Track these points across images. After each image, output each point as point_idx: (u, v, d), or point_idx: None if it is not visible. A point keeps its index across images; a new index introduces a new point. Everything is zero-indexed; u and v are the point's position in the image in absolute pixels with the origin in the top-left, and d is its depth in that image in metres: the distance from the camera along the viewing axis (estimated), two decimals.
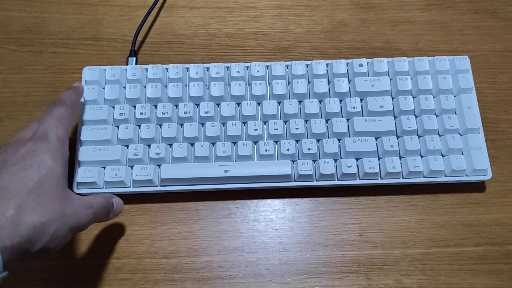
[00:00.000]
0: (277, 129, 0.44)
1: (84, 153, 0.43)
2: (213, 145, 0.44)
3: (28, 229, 0.30)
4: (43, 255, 0.32)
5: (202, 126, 0.44)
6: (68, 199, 0.34)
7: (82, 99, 0.44)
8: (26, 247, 0.30)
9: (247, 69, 0.47)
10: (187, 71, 0.47)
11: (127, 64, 0.49)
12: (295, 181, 0.43)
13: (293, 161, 0.43)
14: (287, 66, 0.47)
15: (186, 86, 0.46)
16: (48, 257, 0.33)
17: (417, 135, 0.44)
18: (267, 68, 0.47)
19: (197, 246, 0.42)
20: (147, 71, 0.47)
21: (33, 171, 0.32)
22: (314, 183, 0.43)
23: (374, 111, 0.45)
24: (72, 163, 0.44)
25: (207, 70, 0.47)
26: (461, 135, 0.44)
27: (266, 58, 0.51)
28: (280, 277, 0.41)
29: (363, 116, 0.45)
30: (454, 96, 0.46)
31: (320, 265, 0.42)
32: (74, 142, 0.44)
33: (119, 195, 0.43)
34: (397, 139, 0.44)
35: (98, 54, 0.50)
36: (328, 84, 0.46)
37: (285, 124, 0.45)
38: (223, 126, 0.45)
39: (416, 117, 0.45)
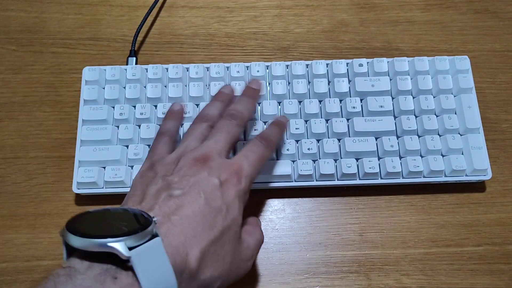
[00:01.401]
0: None
1: (84, 153, 0.43)
2: None
3: (200, 285, 0.28)
4: None
5: None
6: (238, 252, 0.31)
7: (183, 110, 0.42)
8: None
9: (247, 69, 0.47)
10: (187, 71, 0.47)
11: (127, 64, 0.49)
12: (295, 181, 0.43)
13: (293, 161, 0.43)
14: (287, 66, 0.47)
15: (186, 86, 0.46)
16: None
17: (417, 135, 0.44)
18: (267, 68, 0.47)
19: None
20: (147, 71, 0.47)
21: (221, 217, 0.29)
22: (314, 183, 0.43)
23: (374, 111, 0.45)
24: (72, 163, 0.44)
25: (207, 70, 0.47)
26: (461, 135, 0.44)
27: (266, 58, 0.51)
28: (280, 277, 0.41)
29: (363, 116, 0.45)
30: (454, 96, 0.46)
31: (320, 265, 0.42)
32: (74, 142, 0.44)
33: (119, 195, 0.43)
34: (397, 139, 0.44)
35: (98, 54, 0.50)
36: (328, 84, 0.46)
37: None
38: None
39: (416, 117, 0.45)
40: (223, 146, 0.34)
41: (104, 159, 0.42)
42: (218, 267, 0.29)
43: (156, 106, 0.45)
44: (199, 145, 0.34)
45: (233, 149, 0.39)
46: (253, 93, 0.39)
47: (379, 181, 0.43)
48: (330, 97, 0.46)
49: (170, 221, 0.27)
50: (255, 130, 0.44)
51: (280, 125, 0.39)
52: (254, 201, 0.44)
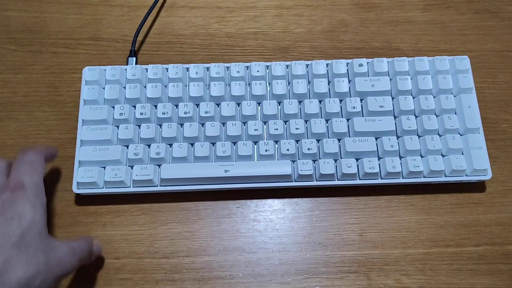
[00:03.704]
0: (277, 129, 0.44)
1: (84, 153, 0.43)
2: (213, 145, 0.44)
3: (13, 285, 0.29)
4: None
5: (202, 126, 0.44)
6: (52, 248, 0.33)
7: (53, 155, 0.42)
8: None
9: (247, 69, 0.47)
10: (187, 71, 0.47)
11: (127, 64, 0.49)
12: (295, 181, 0.43)
13: (293, 161, 0.43)
14: (287, 66, 0.47)
15: (186, 86, 0.46)
16: None
17: (417, 135, 0.44)
18: (267, 68, 0.47)
19: (197, 246, 0.43)
20: (147, 71, 0.47)
21: (14, 224, 0.31)
22: (314, 183, 0.43)
23: (374, 111, 0.45)
24: (72, 163, 0.44)
25: (207, 70, 0.47)
26: (461, 135, 0.44)
27: (266, 58, 0.51)
28: (280, 277, 0.41)
29: (363, 116, 0.45)
30: (454, 96, 0.46)
31: (320, 265, 0.42)
32: (74, 142, 0.44)
33: (119, 195, 0.43)
34: (397, 139, 0.44)
35: (98, 54, 0.50)
36: (328, 84, 0.46)
37: (285, 124, 0.45)
38: (223, 126, 0.45)
39: (416, 117, 0.45)
40: (24, 172, 0.35)
41: (104, 159, 0.42)
42: (31, 265, 0.31)
43: (156, 106, 0.45)
44: None
45: None
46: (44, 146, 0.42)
47: (379, 181, 0.43)
48: (330, 97, 0.46)
49: None
50: (255, 130, 0.44)
51: (47, 146, 0.41)
52: (254, 201, 0.44)
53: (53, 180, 0.45)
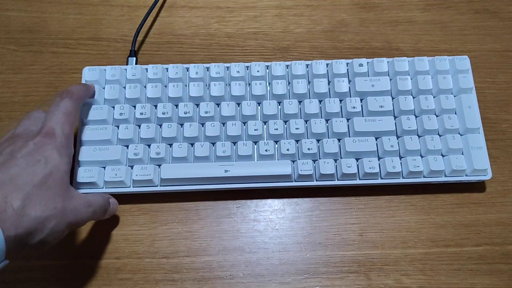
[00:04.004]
0: (277, 129, 0.44)
1: (84, 153, 0.43)
2: (213, 145, 0.44)
3: (31, 221, 0.31)
4: (40, 248, 0.33)
5: (202, 126, 0.44)
6: (70, 196, 0.35)
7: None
8: (26, 239, 0.31)
9: (247, 69, 0.47)
10: (187, 71, 0.47)
11: (127, 64, 0.49)
12: (295, 181, 0.43)
13: (293, 161, 0.43)
14: (287, 66, 0.47)
15: (186, 86, 0.46)
16: (44, 251, 0.34)
17: (417, 135, 0.44)
18: (267, 68, 0.47)
19: (197, 246, 0.43)
20: (147, 71, 0.47)
21: (40, 166, 0.33)
22: (314, 183, 0.43)
23: (374, 111, 0.45)
24: (72, 163, 0.44)
25: (207, 70, 0.47)
26: (461, 135, 0.44)
27: (266, 58, 0.51)
28: (280, 277, 0.41)
29: (363, 116, 0.45)
30: (454, 96, 0.46)
31: (320, 265, 0.42)
32: (74, 142, 0.44)
33: (119, 195, 0.43)
34: (397, 139, 0.44)
35: (98, 54, 0.50)
36: (328, 84, 0.46)
37: (285, 124, 0.45)
38: (223, 126, 0.45)
39: (416, 117, 0.45)
40: (31, 122, 0.38)
41: (104, 159, 0.42)
42: (48, 206, 0.32)
43: (156, 106, 0.45)
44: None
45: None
46: (85, 84, 0.44)
47: (379, 181, 0.43)
48: (330, 97, 0.46)
49: None
50: (255, 130, 0.44)
51: (85, 84, 0.43)
52: (254, 201, 0.44)
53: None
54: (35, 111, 0.39)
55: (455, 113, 0.45)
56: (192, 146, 0.44)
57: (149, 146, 0.43)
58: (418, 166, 0.43)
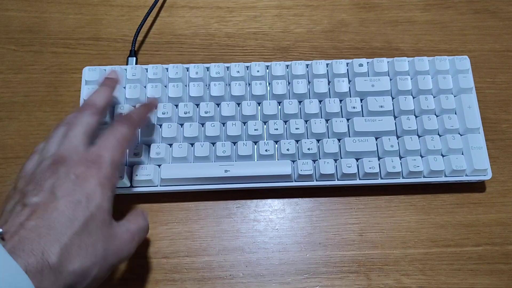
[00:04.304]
0: (277, 129, 0.44)
1: None
2: (213, 145, 0.44)
3: (70, 276, 0.28)
4: None
5: (202, 126, 0.44)
6: (112, 236, 0.32)
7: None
8: None
9: (247, 69, 0.47)
10: (187, 71, 0.47)
11: (127, 64, 0.49)
12: (295, 181, 0.43)
13: (293, 161, 0.43)
14: (287, 66, 0.47)
15: (186, 86, 0.46)
16: None
17: (417, 135, 0.44)
18: (267, 68, 0.47)
19: (197, 246, 0.43)
20: (147, 71, 0.47)
21: (81, 209, 0.30)
22: (314, 183, 0.43)
23: (374, 111, 0.45)
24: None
25: (207, 70, 0.47)
26: (461, 135, 0.44)
27: (266, 58, 0.51)
28: (280, 277, 0.41)
29: (363, 116, 0.45)
30: (454, 96, 0.46)
31: (320, 265, 0.42)
32: None
33: (119, 195, 0.43)
34: (397, 139, 0.44)
35: (98, 54, 0.50)
36: (328, 84, 0.46)
37: (285, 124, 0.45)
38: (223, 126, 0.45)
39: (416, 117, 0.45)
40: (79, 141, 0.34)
41: None
42: (88, 255, 0.30)
43: (156, 106, 0.45)
44: (57, 148, 0.34)
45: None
46: (109, 82, 0.40)
47: (379, 181, 0.43)
48: (330, 97, 0.46)
49: (24, 228, 0.28)
50: (255, 130, 0.44)
51: (146, 105, 0.40)
52: (254, 201, 0.44)
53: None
54: (57, 129, 0.35)
55: (455, 113, 0.45)
56: (192, 146, 0.44)
57: (149, 146, 0.43)
58: (418, 166, 0.43)
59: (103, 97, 0.38)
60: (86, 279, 0.30)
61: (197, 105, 0.45)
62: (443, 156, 0.44)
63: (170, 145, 0.44)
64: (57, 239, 0.28)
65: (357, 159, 0.43)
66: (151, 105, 0.41)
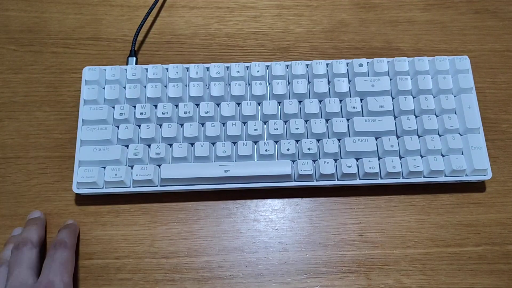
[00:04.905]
0: (277, 129, 0.44)
1: (84, 153, 0.43)
2: (213, 145, 0.44)
3: None
4: None
5: (202, 126, 0.44)
6: None
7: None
8: None
9: (247, 69, 0.47)
10: (187, 71, 0.47)
11: (127, 64, 0.49)
12: (295, 181, 0.43)
13: (293, 161, 0.43)
14: (287, 66, 0.47)
15: (186, 86, 0.46)
16: None
17: (417, 135, 0.44)
18: (267, 68, 0.47)
19: (197, 246, 0.43)
20: (147, 71, 0.47)
21: None
22: (314, 183, 0.43)
23: (374, 111, 0.45)
24: (72, 163, 0.44)
25: (207, 70, 0.47)
26: (461, 135, 0.44)
27: (266, 58, 0.51)
28: (280, 277, 0.41)
29: (363, 116, 0.45)
30: (454, 96, 0.46)
31: (320, 265, 0.42)
32: (74, 142, 0.44)
33: (119, 195, 0.43)
34: (397, 139, 0.44)
35: (98, 54, 0.50)
36: (328, 84, 0.47)
37: (285, 124, 0.45)
38: (223, 126, 0.45)
39: (416, 117, 0.45)
40: (27, 276, 0.36)
41: (104, 159, 0.42)
42: None
43: (156, 106, 0.45)
44: None
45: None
46: (34, 221, 0.42)
47: (379, 181, 0.43)
48: (330, 97, 0.46)
49: None
50: (255, 130, 0.44)
51: (69, 226, 0.41)
52: (254, 201, 0.44)
53: (53, 180, 0.45)
54: (24, 246, 0.38)
55: (455, 113, 0.45)
56: (192, 146, 0.44)
57: (149, 146, 0.43)
58: (418, 166, 0.43)
59: (35, 232, 0.40)
60: None
61: (197, 105, 0.45)
62: (443, 156, 0.44)
63: (170, 145, 0.44)
64: None
65: (357, 159, 0.43)
66: (73, 225, 0.42)
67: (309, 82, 0.47)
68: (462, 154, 0.44)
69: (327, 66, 0.47)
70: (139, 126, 0.44)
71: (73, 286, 0.37)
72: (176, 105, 0.45)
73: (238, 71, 0.46)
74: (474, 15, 0.53)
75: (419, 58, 0.47)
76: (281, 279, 0.41)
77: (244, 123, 0.45)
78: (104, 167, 0.43)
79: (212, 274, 0.41)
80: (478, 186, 0.45)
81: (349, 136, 0.44)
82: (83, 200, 0.44)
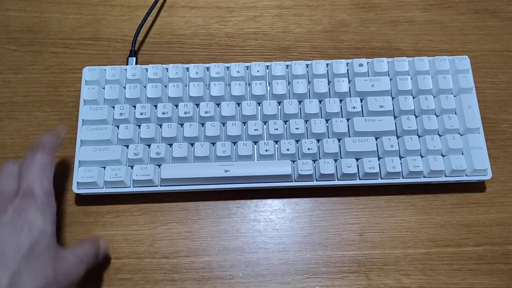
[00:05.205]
0: (277, 129, 0.44)
1: (84, 153, 0.43)
2: (213, 145, 0.44)
3: None
4: None
5: (202, 126, 0.44)
6: (60, 259, 0.33)
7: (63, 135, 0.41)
8: None
9: (247, 69, 0.47)
10: (187, 71, 0.47)
11: (127, 64, 0.49)
12: (295, 181, 0.43)
13: (293, 161, 0.43)
14: (287, 66, 0.47)
15: (186, 86, 0.46)
16: None
17: (417, 135, 0.44)
18: (267, 68, 0.47)
19: (197, 246, 0.43)
20: (147, 71, 0.47)
21: (24, 235, 0.32)
22: (314, 183, 0.43)
23: (374, 111, 0.45)
24: (72, 163, 0.44)
25: (207, 70, 0.47)
26: (461, 135, 0.44)
27: (266, 58, 0.51)
28: (280, 277, 0.41)
29: (363, 116, 0.45)
30: (454, 96, 0.46)
31: (320, 265, 0.42)
32: (74, 142, 0.44)
33: (119, 195, 0.43)
34: (397, 139, 0.44)
35: (98, 54, 0.50)
36: (328, 84, 0.46)
37: (285, 124, 0.45)
38: (223, 126, 0.45)
39: (416, 117, 0.45)
40: (4, 184, 0.35)
41: (104, 159, 0.42)
42: (39, 278, 0.31)
43: (156, 106, 0.45)
44: None
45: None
46: (53, 131, 0.40)
47: (379, 181, 0.43)
48: (330, 97, 0.46)
49: None
50: (255, 130, 0.44)
51: (52, 130, 0.40)
52: (254, 201, 0.44)
53: (53, 180, 0.45)
54: (7, 163, 0.37)
55: (455, 113, 0.45)
56: (192, 146, 0.44)
57: (149, 146, 0.43)
58: (418, 166, 0.43)
59: (49, 138, 0.38)
60: None
61: (197, 105, 0.45)
62: (443, 156, 0.44)
63: (170, 145, 0.44)
64: (5, 265, 0.30)
65: (357, 159, 0.43)
66: (57, 131, 0.40)
67: (309, 82, 0.47)
68: (462, 154, 0.44)
69: (327, 66, 0.47)
70: (139, 126, 0.44)
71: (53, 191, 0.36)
72: (176, 105, 0.45)
73: (238, 71, 0.46)
74: (474, 15, 0.53)
75: (419, 58, 0.47)
76: (281, 279, 0.41)
77: (244, 123, 0.45)
78: (104, 167, 0.43)
79: (212, 274, 0.41)
80: (478, 186, 0.45)
81: (349, 136, 0.44)
82: (83, 200, 0.44)
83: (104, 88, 0.45)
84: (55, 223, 0.35)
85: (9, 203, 0.33)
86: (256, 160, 0.43)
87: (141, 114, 0.44)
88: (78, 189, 0.42)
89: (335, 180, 0.43)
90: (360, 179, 0.43)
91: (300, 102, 0.46)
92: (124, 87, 0.46)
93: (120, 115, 0.44)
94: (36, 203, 0.33)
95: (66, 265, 0.33)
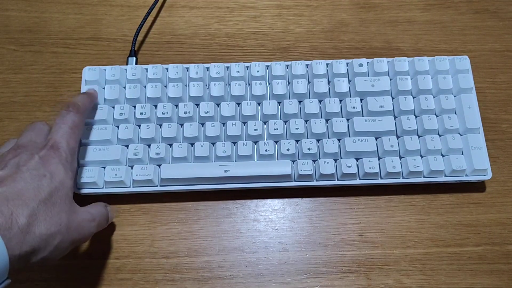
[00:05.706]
0: (277, 129, 0.44)
1: (84, 153, 0.43)
2: (213, 145, 0.44)
3: (36, 239, 0.30)
4: (42, 265, 0.32)
5: (202, 126, 0.44)
6: (74, 212, 0.35)
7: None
8: (30, 257, 0.31)
9: (247, 69, 0.47)
10: (187, 71, 0.47)
11: (127, 64, 0.49)
12: (295, 181, 0.43)
13: (293, 161, 0.43)
14: (287, 66, 0.47)
15: (186, 86, 0.46)
16: (46, 267, 0.33)
17: (417, 135, 0.44)
18: (267, 68, 0.47)
19: (197, 246, 0.43)
20: (147, 71, 0.47)
21: (46, 181, 0.33)
22: (314, 183, 0.43)
23: (374, 111, 0.45)
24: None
25: (207, 70, 0.47)
26: (461, 135, 0.44)
27: (266, 58, 0.51)
28: (280, 277, 0.41)
29: (363, 116, 0.45)
30: (454, 96, 0.46)
31: (320, 265, 0.42)
32: None
33: (119, 195, 0.43)
34: (397, 139, 0.44)
35: (98, 54, 0.50)
36: (328, 84, 0.47)
37: (285, 124, 0.45)
38: (223, 126, 0.45)
39: (416, 117, 0.45)
40: (37, 134, 0.37)
41: (104, 159, 0.42)
42: (54, 223, 0.32)
43: (156, 106, 0.45)
44: (19, 140, 0.37)
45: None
46: (87, 91, 0.44)
47: (379, 181, 0.43)
48: (330, 97, 0.46)
49: None
50: (255, 130, 0.44)
51: (87, 92, 0.43)
52: (254, 201, 0.44)
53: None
54: (39, 122, 0.39)
55: (455, 113, 0.45)
56: (192, 146, 0.44)
57: (149, 146, 0.43)
58: (418, 166, 0.43)
59: (81, 98, 0.41)
60: (48, 246, 0.31)
61: (197, 105, 0.45)
62: (443, 156, 0.44)
63: (170, 145, 0.44)
64: (25, 204, 0.31)
65: (357, 159, 0.43)
66: (92, 94, 0.43)
67: (309, 82, 0.47)
68: (462, 154, 0.44)
69: (327, 66, 0.47)
70: (139, 126, 0.44)
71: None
72: (176, 105, 0.45)
73: (238, 71, 0.46)
74: (474, 15, 0.53)
75: (419, 58, 0.47)
76: (281, 279, 0.41)
77: (244, 123, 0.45)
78: (104, 167, 0.43)
79: (212, 274, 0.41)
80: (478, 186, 0.45)
81: (349, 136, 0.44)
82: (83, 200, 0.44)
83: (104, 88, 0.45)
84: (73, 180, 0.36)
85: (36, 152, 0.34)
86: (256, 160, 0.43)
87: (141, 114, 0.44)
88: (78, 189, 0.42)
89: (335, 180, 0.43)
90: (360, 179, 0.43)
91: (300, 102, 0.46)
92: (124, 87, 0.46)
93: (120, 115, 0.44)
94: (60, 157, 0.35)
95: (79, 220, 0.35)
